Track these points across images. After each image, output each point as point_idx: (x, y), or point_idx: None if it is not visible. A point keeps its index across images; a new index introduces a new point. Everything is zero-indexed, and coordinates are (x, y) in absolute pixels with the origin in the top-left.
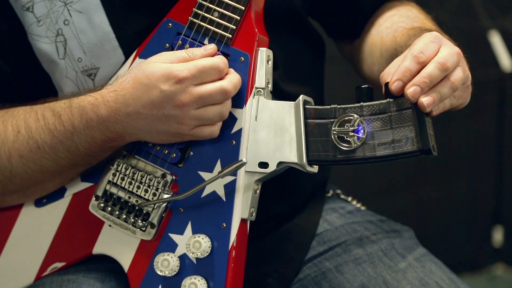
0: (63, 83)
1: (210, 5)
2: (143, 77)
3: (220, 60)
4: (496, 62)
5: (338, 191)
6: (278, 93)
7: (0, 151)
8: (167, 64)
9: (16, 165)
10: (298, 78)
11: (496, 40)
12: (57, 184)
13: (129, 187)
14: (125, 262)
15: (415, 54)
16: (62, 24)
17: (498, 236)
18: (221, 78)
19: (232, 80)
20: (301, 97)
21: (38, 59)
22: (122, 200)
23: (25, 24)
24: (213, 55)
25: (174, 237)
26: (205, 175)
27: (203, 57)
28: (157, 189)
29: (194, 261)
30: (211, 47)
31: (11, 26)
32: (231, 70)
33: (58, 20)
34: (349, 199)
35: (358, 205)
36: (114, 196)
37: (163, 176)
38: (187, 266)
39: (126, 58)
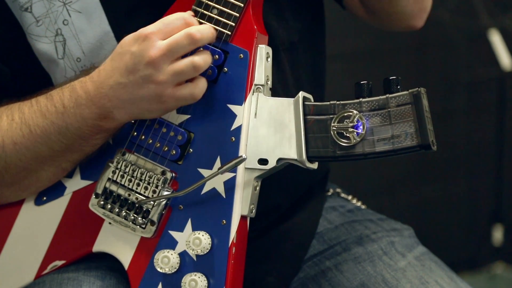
0: (59, 84)
1: (209, 2)
2: (118, 47)
3: (185, 13)
4: (496, 61)
5: (338, 190)
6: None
7: None
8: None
9: (10, 153)
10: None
11: (496, 39)
12: (52, 175)
13: (129, 185)
14: (125, 259)
15: None
16: (61, 24)
17: (498, 234)
18: None
19: (199, 27)
20: (300, 94)
21: (38, 59)
22: (122, 197)
23: (24, 25)
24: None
25: (174, 234)
26: (205, 172)
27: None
28: (157, 186)
29: (194, 258)
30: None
31: (10, 28)
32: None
33: (57, 20)
34: (349, 197)
35: (358, 203)
36: (114, 194)
37: (163, 173)
38: (187, 263)
39: None
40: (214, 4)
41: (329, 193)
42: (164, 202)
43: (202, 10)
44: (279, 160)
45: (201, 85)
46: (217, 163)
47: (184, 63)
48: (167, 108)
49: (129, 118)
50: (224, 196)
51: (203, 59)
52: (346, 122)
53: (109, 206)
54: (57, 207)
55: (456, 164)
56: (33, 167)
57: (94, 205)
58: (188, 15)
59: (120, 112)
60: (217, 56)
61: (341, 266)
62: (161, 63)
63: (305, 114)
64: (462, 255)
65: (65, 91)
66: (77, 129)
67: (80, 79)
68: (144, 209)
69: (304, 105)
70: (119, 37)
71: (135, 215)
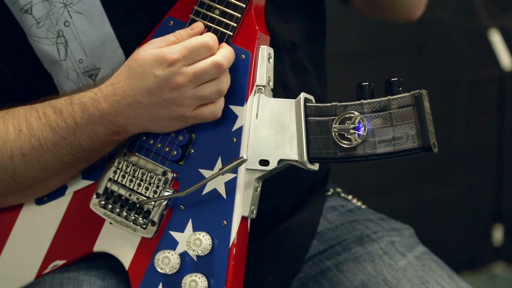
0: (65, 84)
1: (211, 3)
2: (136, 66)
3: (209, 37)
4: (496, 60)
5: (339, 190)
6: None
7: (2, 150)
8: (157, 49)
9: (18, 164)
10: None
11: (496, 39)
12: (59, 182)
13: (130, 185)
14: (126, 259)
15: None
16: (63, 26)
17: (498, 234)
18: (212, 54)
19: (224, 53)
20: (302, 95)
21: (40, 60)
22: (123, 197)
23: (25, 27)
24: (200, 33)
25: (175, 234)
26: (206, 173)
27: (190, 36)
28: (157, 187)
29: (195, 258)
30: (197, 25)
31: (10, 29)
32: (224, 44)
33: (59, 22)
34: (350, 197)
35: (359, 203)
36: (115, 194)
37: (164, 173)
38: (187, 264)
39: (127, 58)
40: (216, 5)
41: (329, 193)
42: (165, 203)
43: (204, 11)
44: (280, 161)
45: (221, 104)
46: (218, 164)
47: (210, 89)
48: (186, 125)
49: (142, 131)
50: (225, 197)
51: (224, 83)
52: (347, 123)
53: (110, 206)
54: (58, 207)
55: (457, 163)
56: (41, 177)
57: (95, 205)
58: (211, 39)
59: (136, 128)
60: None
61: (341, 266)
62: (187, 89)
63: (306, 115)
64: (463, 255)
65: (76, 108)
66: (89, 144)
67: (91, 95)
68: (145, 209)
69: (305, 106)
70: (120, 37)
71: (136, 216)
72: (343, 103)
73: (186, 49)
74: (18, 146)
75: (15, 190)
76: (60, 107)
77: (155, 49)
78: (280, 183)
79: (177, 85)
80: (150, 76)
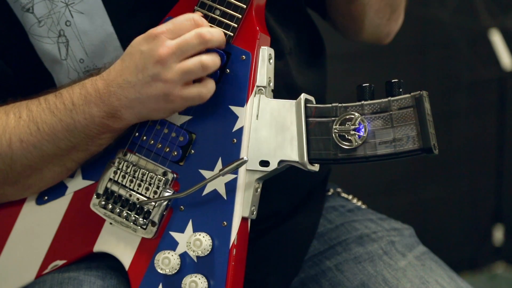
0: (65, 84)
1: (212, 4)
2: (128, 47)
3: (195, 14)
4: (496, 60)
5: (339, 190)
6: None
7: (1, 138)
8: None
9: (16, 151)
10: (302, 67)
11: (496, 39)
12: (56, 174)
13: (130, 185)
14: (126, 260)
15: None
16: (64, 25)
17: (498, 234)
18: None
19: (210, 29)
20: (302, 96)
21: (41, 59)
22: (123, 198)
23: (26, 26)
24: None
25: (175, 235)
26: (206, 173)
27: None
28: (158, 187)
29: (195, 259)
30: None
31: (12, 28)
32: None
33: (60, 21)
34: (350, 197)
35: (359, 203)
36: (115, 194)
37: (164, 174)
38: (187, 264)
39: None
40: (216, 5)
41: (329, 193)
42: (165, 203)
43: (205, 11)
44: (281, 162)
45: (210, 86)
46: (219, 165)
47: (193, 62)
48: (174, 108)
49: (136, 119)
50: (225, 198)
51: (211, 59)
52: (348, 124)
53: (110, 207)
54: (58, 207)
55: (457, 164)
56: (38, 166)
57: (95, 205)
58: (198, 16)
59: (128, 111)
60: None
61: (341, 266)
62: (170, 62)
63: (307, 116)
64: (463, 255)
65: (75, 88)
66: (85, 127)
67: (91, 78)
68: (145, 209)
69: (306, 107)
70: (122, 38)
71: (136, 216)
72: (343, 104)
73: (170, 23)
74: (17, 132)
75: (13, 181)
76: (61, 91)
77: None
78: (280, 184)
79: (160, 57)
80: (137, 53)
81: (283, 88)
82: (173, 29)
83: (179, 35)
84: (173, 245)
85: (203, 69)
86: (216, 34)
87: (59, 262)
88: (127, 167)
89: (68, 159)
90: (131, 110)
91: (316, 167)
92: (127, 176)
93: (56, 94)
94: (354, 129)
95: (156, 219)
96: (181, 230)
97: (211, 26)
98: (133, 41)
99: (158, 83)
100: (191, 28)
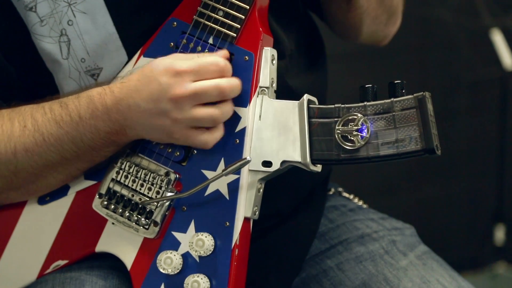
0: (65, 83)
1: (215, 4)
2: (148, 70)
3: (222, 60)
4: (498, 60)
5: (340, 189)
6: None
7: (6, 147)
8: (171, 59)
9: (21, 160)
10: (303, 68)
11: (498, 39)
12: (60, 181)
13: (132, 185)
14: (128, 260)
15: None
16: (66, 25)
17: (500, 234)
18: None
19: (230, 80)
20: (305, 96)
21: (42, 58)
22: (125, 198)
23: (28, 24)
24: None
25: (177, 235)
26: (209, 174)
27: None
28: (160, 187)
29: (197, 259)
30: (222, 52)
31: (14, 26)
32: (235, 78)
33: (62, 20)
34: (351, 197)
35: (360, 203)
36: (118, 194)
37: (167, 174)
38: (190, 264)
39: (129, 58)
40: (220, 6)
41: (331, 192)
42: (167, 203)
43: (208, 12)
44: (283, 162)
45: (217, 135)
46: (221, 165)
47: (205, 112)
48: (176, 142)
49: (139, 137)
50: (228, 198)
51: (222, 112)
52: (350, 125)
53: (112, 207)
54: (60, 207)
55: (458, 163)
56: (42, 174)
57: (97, 205)
58: (223, 61)
59: (132, 132)
60: None
61: (342, 265)
62: (184, 104)
63: (309, 117)
64: (464, 255)
65: (82, 101)
66: (90, 140)
67: (99, 90)
68: (148, 209)
69: (308, 107)
70: (123, 38)
71: (139, 216)
72: (346, 105)
73: (195, 63)
74: (22, 142)
75: (16, 187)
76: (66, 101)
77: (171, 59)
78: (281, 184)
79: (176, 96)
80: (155, 82)
81: (285, 89)
82: (197, 71)
83: (202, 78)
84: (175, 245)
85: (213, 122)
86: (235, 88)
87: (61, 262)
88: (130, 167)
89: (73, 168)
90: (134, 132)
91: (318, 168)
92: (129, 176)
93: (62, 104)
94: (357, 130)
95: (158, 219)
96: (184, 230)
97: (216, 31)
98: (155, 64)
99: (167, 119)
100: (214, 74)
